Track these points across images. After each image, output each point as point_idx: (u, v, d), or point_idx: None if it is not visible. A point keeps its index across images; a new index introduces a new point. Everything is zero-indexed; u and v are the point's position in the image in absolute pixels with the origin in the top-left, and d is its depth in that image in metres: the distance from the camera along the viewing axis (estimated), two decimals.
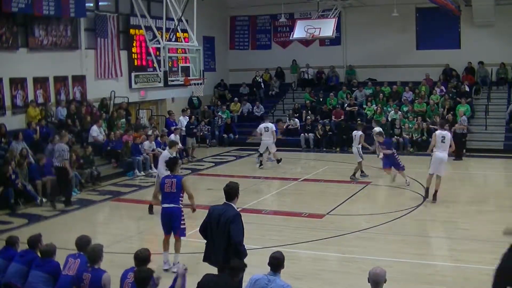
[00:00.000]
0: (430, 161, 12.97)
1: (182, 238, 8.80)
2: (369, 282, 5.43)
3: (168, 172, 10.47)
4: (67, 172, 13.39)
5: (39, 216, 12.74)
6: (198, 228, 6.97)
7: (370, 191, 14.58)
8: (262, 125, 18.12)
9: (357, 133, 15.73)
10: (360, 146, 15.57)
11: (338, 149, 20.92)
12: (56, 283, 6.53)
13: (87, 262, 6.21)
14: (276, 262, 5.73)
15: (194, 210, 9.10)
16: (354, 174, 15.70)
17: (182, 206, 8.76)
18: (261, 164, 17.98)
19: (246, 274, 6.09)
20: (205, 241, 6.94)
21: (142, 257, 6.00)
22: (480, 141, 20.25)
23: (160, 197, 9.16)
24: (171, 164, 9.04)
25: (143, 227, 11.92)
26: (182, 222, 8.72)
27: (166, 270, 8.72)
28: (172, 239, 8.85)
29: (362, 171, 15.90)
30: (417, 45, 24.31)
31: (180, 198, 8.70)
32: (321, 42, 25.30)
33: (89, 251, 6.23)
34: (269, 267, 5.74)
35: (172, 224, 8.70)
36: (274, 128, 18.03)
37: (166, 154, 11.39)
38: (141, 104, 22.01)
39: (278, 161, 18.14)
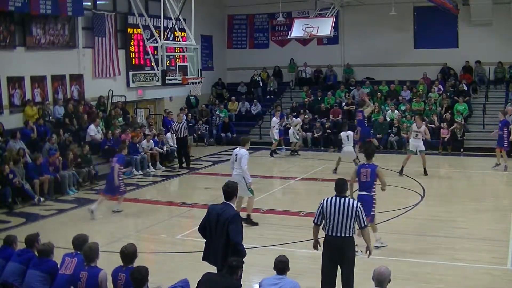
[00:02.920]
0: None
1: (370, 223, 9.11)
2: (373, 280, 5.42)
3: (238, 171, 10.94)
4: (187, 141, 18.71)
5: (36, 215, 12.73)
6: (198, 227, 6.95)
7: None
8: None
9: (350, 133, 16.10)
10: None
11: (336, 148, 20.90)
12: (53, 282, 6.52)
13: (83, 261, 6.19)
14: (282, 266, 5.86)
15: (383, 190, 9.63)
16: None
17: (374, 194, 9.29)
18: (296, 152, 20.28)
19: (245, 273, 6.09)
20: (204, 240, 6.94)
21: (128, 254, 5.99)
22: (477, 140, 20.26)
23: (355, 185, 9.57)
24: (369, 152, 9.50)
25: (140, 226, 11.90)
26: (372, 209, 9.25)
27: (377, 247, 9.31)
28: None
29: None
30: (415, 44, 24.33)
31: (373, 187, 9.25)
32: (319, 41, 25.32)
33: (85, 250, 6.21)
34: (275, 271, 5.88)
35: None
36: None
37: (244, 152, 11.18)
38: (138, 103, 21.99)
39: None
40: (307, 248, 9.62)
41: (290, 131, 20.33)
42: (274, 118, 20.38)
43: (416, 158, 16.13)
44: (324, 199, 6.99)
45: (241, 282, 6.15)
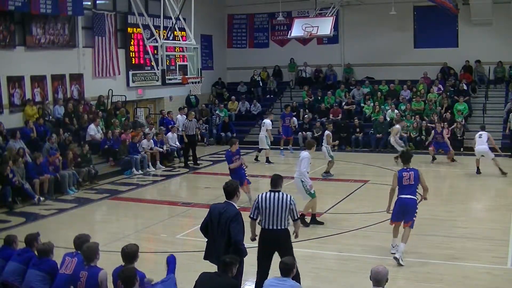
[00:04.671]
0: None
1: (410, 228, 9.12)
2: (370, 279, 5.42)
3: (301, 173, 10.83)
4: (196, 139, 18.98)
5: (36, 215, 12.72)
6: (199, 226, 6.96)
7: (368, 190, 14.59)
8: None
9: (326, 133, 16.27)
10: (328, 146, 16.03)
11: (335, 148, 20.88)
12: (53, 281, 6.52)
13: (84, 261, 6.19)
14: (285, 267, 5.85)
15: (425, 199, 9.59)
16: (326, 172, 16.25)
17: (417, 198, 9.27)
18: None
19: (246, 273, 6.08)
20: (205, 239, 6.95)
21: (129, 253, 5.98)
22: None
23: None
24: (406, 157, 9.48)
25: (140, 225, 11.90)
26: (415, 214, 9.14)
27: (393, 253, 9.01)
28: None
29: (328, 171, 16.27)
30: (415, 43, 24.33)
31: (416, 190, 9.21)
32: (319, 40, 25.32)
33: (84, 250, 6.19)
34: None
35: (407, 214, 9.08)
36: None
37: (306, 154, 11.12)
38: (138, 103, 21.99)
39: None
40: (306, 248, 9.66)
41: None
42: (268, 121, 18.99)
43: (414, 158, 16.13)
44: (259, 195, 7.34)
45: (242, 282, 6.15)
